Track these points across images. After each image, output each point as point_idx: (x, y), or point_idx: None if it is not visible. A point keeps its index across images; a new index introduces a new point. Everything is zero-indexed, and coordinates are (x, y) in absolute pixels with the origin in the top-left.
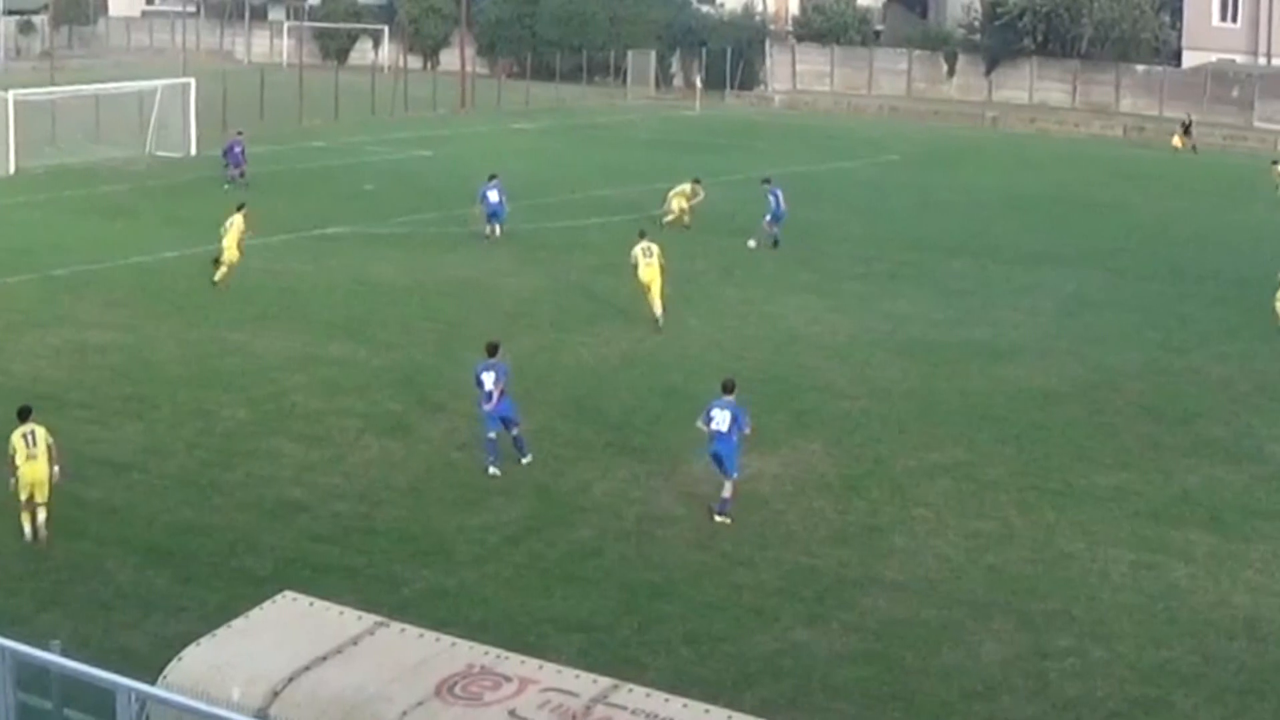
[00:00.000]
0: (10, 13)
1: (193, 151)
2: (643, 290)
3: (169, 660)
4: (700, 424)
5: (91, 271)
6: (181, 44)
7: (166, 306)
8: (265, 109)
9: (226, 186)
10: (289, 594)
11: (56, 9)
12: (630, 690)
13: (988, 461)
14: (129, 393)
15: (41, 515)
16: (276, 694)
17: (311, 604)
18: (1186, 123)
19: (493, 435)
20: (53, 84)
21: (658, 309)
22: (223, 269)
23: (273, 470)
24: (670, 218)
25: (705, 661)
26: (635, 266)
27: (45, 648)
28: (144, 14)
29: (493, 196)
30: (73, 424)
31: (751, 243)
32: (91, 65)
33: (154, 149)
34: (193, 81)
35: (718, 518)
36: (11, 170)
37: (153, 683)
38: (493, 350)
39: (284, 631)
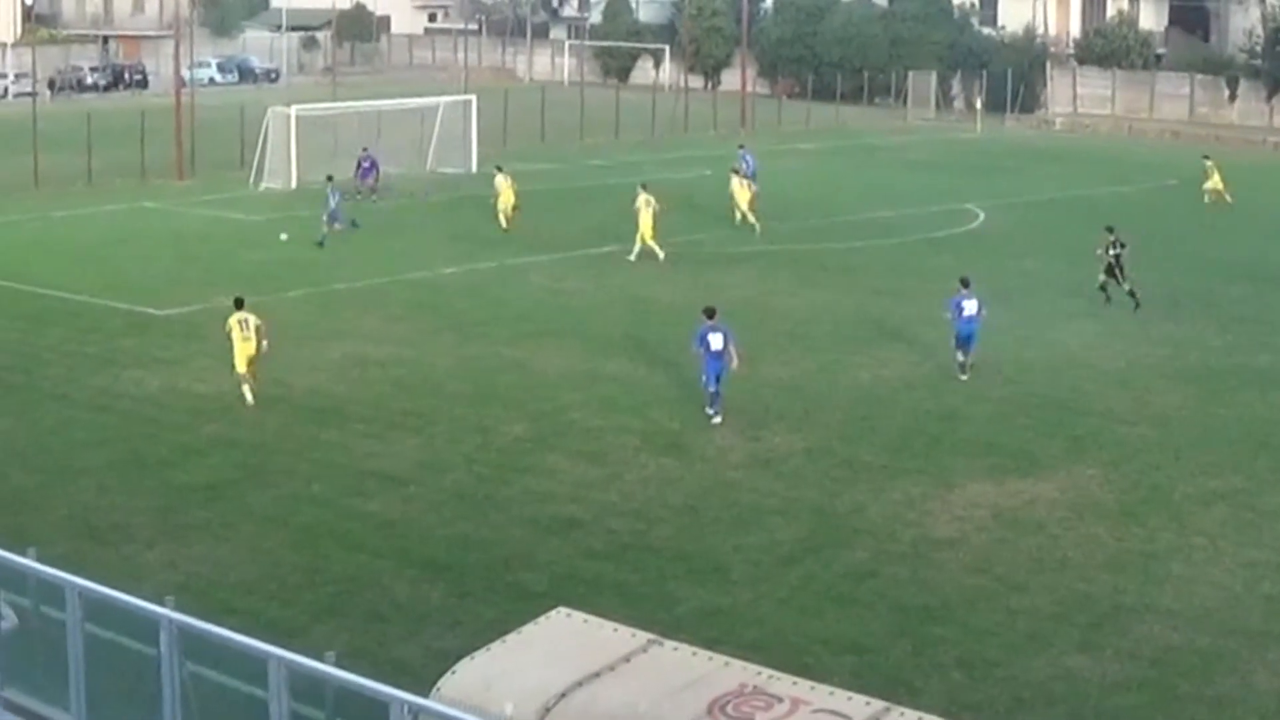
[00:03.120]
0: (294, 28)
1: (473, 169)
2: (644, 234)
3: (442, 673)
4: (950, 314)
5: (371, 287)
6: (463, 61)
7: (446, 322)
8: (546, 127)
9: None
10: (563, 610)
11: (339, 25)
12: (902, 713)
13: (1266, 490)
14: (407, 407)
15: (250, 390)
16: (548, 710)
17: (585, 620)
18: None
19: (713, 389)
20: (334, 99)
21: (658, 251)
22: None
23: (549, 487)
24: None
25: (978, 686)
26: (639, 213)
27: (320, 658)
28: (426, 31)
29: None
30: (351, 437)
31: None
32: (373, 81)
33: (435, 166)
34: (474, 99)
35: (962, 376)
36: (294, 184)
37: (425, 695)
38: (711, 313)
39: (557, 647)
